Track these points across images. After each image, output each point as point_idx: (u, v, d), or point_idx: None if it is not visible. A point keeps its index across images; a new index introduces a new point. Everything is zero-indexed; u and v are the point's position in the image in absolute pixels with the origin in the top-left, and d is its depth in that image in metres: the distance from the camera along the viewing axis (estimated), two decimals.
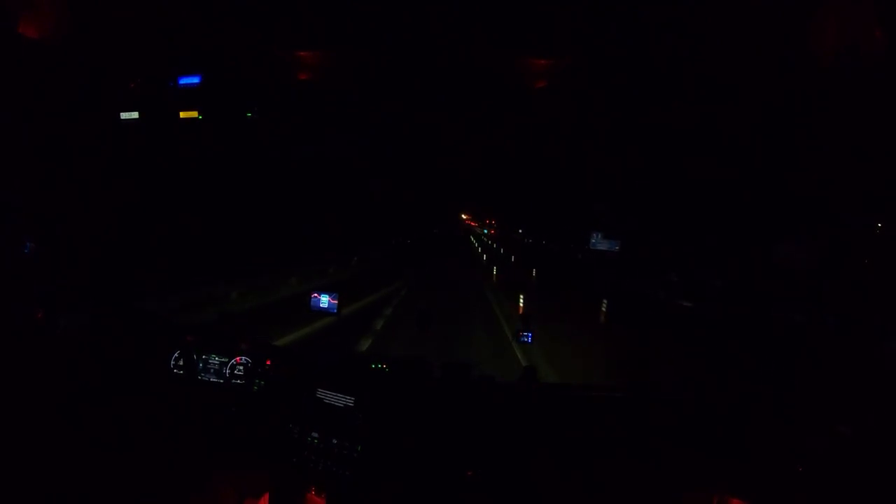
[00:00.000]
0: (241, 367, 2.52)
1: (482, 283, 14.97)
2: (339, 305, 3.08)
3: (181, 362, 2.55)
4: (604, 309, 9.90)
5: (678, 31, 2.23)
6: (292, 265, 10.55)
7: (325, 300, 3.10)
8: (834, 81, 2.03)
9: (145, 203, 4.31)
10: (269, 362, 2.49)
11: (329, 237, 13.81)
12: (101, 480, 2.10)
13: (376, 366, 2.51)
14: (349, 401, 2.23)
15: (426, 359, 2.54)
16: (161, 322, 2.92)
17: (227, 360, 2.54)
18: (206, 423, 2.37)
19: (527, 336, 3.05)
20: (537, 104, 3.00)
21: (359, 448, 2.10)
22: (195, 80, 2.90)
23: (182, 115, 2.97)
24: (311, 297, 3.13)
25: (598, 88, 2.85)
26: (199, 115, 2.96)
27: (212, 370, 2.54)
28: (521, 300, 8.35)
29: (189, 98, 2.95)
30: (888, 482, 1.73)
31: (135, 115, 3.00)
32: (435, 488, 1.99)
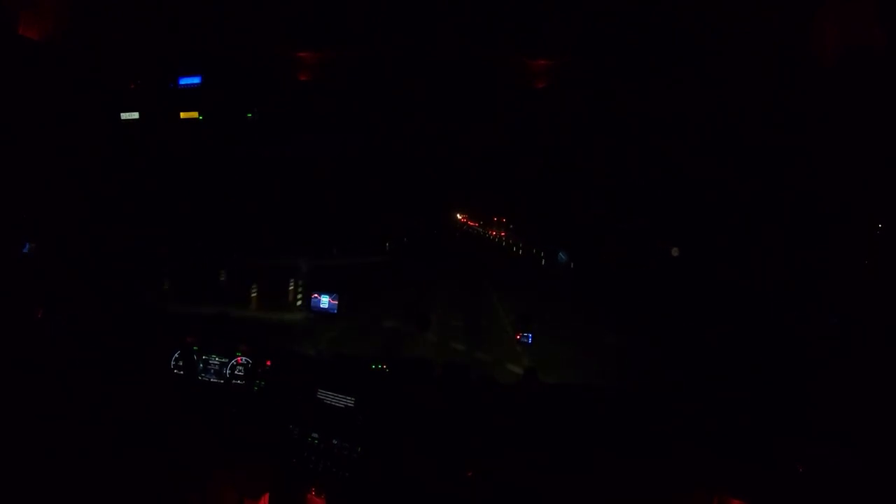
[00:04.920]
0: (242, 368, 2.52)
1: None
2: (340, 306, 3.08)
3: (181, 363, 2.55)
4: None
5: (678, 31, 2.24)
6: None
7: (325, 300, 3.10)
8: (834, 81, 2.03)
9: (145, 203, 4.31)
10: (269, 363, 2.49)
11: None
12: (102, 480, 2.10)
13: (377, 366, 2.51)
14: (349, 401, 2.23)
15: (427, 359, 2.54)
16: (161, 322, 2.92)
17: (227, 360, 2.54)
18: (206, 423, 2.37)
19: (527, 337, 3.04)
20: (538, 103, 3.00)
21: (359, 449, 2.10)
22: (195, 80, 2.90)
23: (182, 115, 2.97)
24: (311, 298, 3.13)
25: (598, 88, 2.85)
26: (200, 115, 2.96)
27: (212, 370, 2.54)
28: None
29: (189, 98, 2.95)
30: (888, 483, 1.73)
31: (135, 115, 3.01)
32: (435, 489, 1.99)
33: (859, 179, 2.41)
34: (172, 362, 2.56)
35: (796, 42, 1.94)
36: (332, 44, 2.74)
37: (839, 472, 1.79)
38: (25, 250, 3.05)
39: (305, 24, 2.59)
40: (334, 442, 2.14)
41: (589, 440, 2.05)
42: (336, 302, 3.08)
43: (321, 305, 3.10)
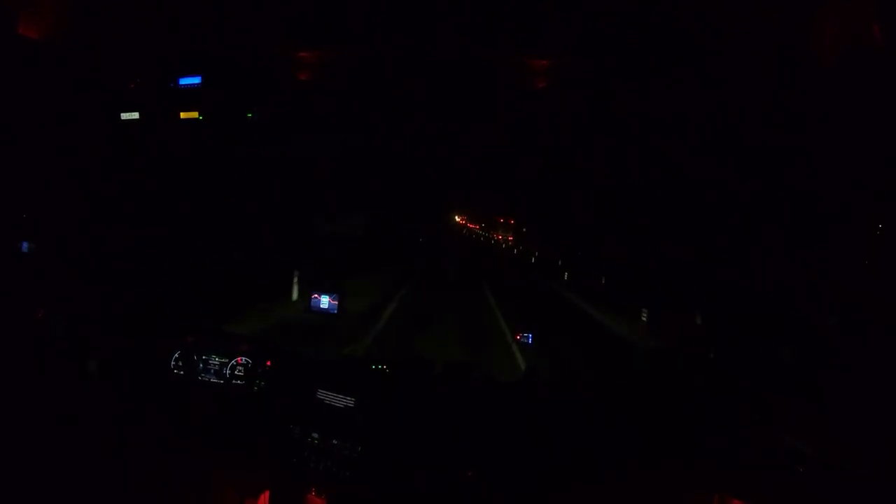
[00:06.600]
0: (242, 368, 2.52)
1: None
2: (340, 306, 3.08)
3: (181, 363, 2.55)
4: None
5: (678, 31, 2.24)
6: None
7: (325, 301, 3.10)
8: (834, 81, 2.03)
9: (145, 203, 4.31)
10: (269, 363, 2.49)
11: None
12: (102, 480, 2.10)
13: (376, 366, 2.51)
14: (349, 401, 2.23)
15: (426, 359, 2.54)
16: (162, 322, 2.92)
17: (227, 360, 2.54)
18: (206, 423, 2.37)
19: (527, 337, 3.04)
20: (540, 103, 3.01)
21: (359, 448, 2.10)
22: (195, 80, 2.90)
23: (182, 115, 2.97)
24: (310, 298, 3.13)
25: (598, 88, 2.85)
26: (200, 115, 2.96)
27: (212, 370, 2.54)
28: None
29: (189, 98, 2.95)
30: (888, 483, 1.73)
31: (135, 115, 3.01)
32: (435, 489, 1.99)
33: (859, 179, 2.41)
34: (172, 362, 2.56)
35: (796, 42, 1.94)
36: (332, 44, 2.74)
37: (839, 473, 1.79)
38: (26, 250, 3.05)
39: (305, 24, 2.59)
40: (334, 442, 2.14)
41: (589, 439, 2.05)
42: (336, 302, 3.08)
43: (321, 306, 3.10)
